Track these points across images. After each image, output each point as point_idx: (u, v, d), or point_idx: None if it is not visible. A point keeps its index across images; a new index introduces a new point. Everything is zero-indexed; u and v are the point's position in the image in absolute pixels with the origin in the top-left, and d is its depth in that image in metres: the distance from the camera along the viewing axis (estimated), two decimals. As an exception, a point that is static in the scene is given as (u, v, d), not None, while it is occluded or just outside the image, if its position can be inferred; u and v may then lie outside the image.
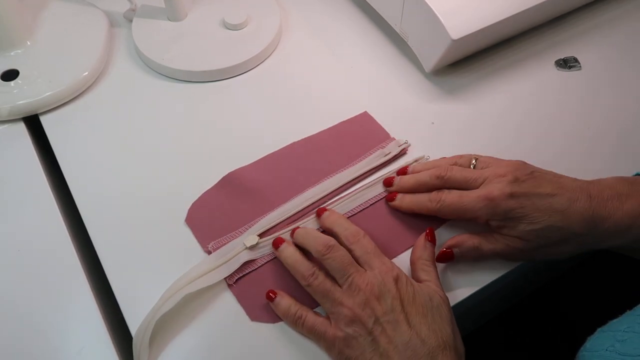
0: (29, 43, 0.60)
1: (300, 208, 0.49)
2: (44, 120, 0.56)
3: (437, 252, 0.45)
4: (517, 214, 0.41)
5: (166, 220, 0.49)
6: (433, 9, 0.53)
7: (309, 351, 0.42)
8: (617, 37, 0.62)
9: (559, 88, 0.58)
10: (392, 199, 0.48)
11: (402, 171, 0.50)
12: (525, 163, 0.45)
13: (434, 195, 0.45)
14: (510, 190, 0.42)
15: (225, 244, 0.46)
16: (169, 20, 0.64)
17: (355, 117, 0.56)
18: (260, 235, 0.47)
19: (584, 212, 0.41)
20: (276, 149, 0.53)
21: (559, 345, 0.53)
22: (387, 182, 0.49)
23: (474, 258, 0.45)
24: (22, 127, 0.56)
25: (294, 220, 0.48)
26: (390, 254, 0.46)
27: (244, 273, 0.45)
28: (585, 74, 0.59)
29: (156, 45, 0.61)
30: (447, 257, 0.44)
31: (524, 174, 0.43)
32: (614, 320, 0.41)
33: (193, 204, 0.49)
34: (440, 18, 0.53)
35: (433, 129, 0.55)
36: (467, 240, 0.44)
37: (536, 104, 0.57)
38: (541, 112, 0.56)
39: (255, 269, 0.46)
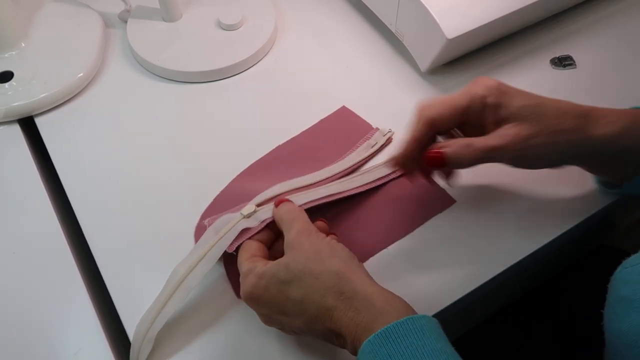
0: (23, 44, 0.60)
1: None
2: (39, 121, 0.56)
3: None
4: (509, 88, 0.40)
5: (162, 221, 0.49)
6: (428, 8, 0.53)
7: (313, 358, 0.41)
8: (612, 35, 0.62)
9: (554, 86, 0.58)
10: (440, 156, 0.40)
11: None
12: None
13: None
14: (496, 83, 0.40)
15: (220, 216, 0.44)
16: (164, 20, 0.63)
17: (335, 112, 0.56)
18: (258, 205, 0.45)
19: (576, 108, 0.39)
20: (270, 150, 0.53)
21: (556, 345, 0.54)
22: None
23: (468, 162, 0.39)
24: (17, 129, 0.56)
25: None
26: (382, 243, 0.46)
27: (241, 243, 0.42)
28: (581, 73, 0.59)
29: (151, 46, 0.61)
30: (437, 160, 0.39)
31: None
32: None
33: (197, 226, 0.48)
34: (436, 17, 0.53)
35: (429, 128, 0.55)
36: (457, 140, 0.39)
37: (531, 103, 0.57)
38: (536, 111, 0.56)
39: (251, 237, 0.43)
